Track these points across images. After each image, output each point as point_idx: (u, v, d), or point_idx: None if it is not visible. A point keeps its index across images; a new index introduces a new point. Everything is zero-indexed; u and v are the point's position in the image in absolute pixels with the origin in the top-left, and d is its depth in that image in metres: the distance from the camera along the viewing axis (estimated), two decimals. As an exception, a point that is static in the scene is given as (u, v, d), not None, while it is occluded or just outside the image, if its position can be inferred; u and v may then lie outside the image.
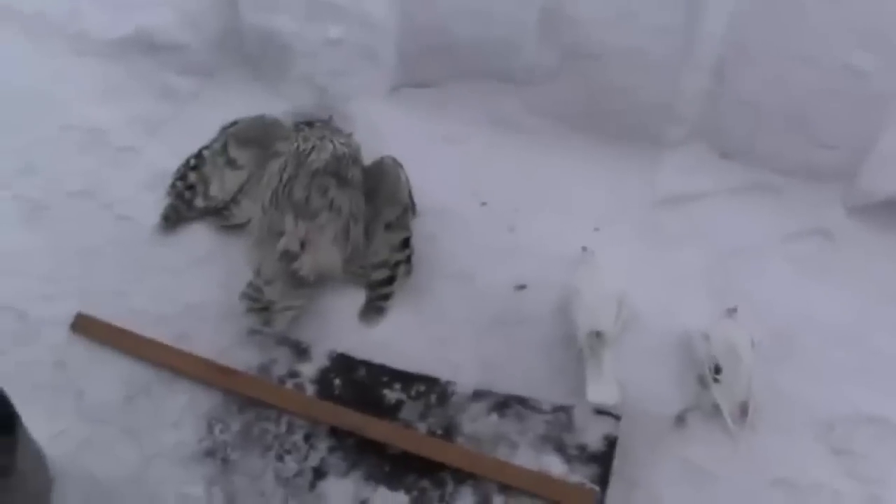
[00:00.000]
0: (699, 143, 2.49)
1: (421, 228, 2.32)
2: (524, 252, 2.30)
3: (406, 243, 2.24)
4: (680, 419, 2.13)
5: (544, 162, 2.48)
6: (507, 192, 2.43)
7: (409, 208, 2.28)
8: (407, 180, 2.30)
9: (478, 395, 2.07)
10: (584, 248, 2.29)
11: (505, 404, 2.05)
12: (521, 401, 2.05)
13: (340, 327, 2.17)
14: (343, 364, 2.11)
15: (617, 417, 2.02)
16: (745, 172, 2.46)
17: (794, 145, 2.39)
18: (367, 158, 2.39)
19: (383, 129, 2.51)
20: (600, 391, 2.03)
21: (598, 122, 2.47)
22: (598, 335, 2.07)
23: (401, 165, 2.31)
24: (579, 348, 2.08)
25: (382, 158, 2.38)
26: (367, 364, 2.11)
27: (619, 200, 2.43)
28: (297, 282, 2.17)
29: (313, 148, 2.27)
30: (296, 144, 2.30)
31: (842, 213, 2.41)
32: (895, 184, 2.33)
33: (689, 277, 2.30)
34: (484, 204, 2.42)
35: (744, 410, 2.06)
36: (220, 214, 2.35)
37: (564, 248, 2.29)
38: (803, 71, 2.36)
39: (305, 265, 2.18)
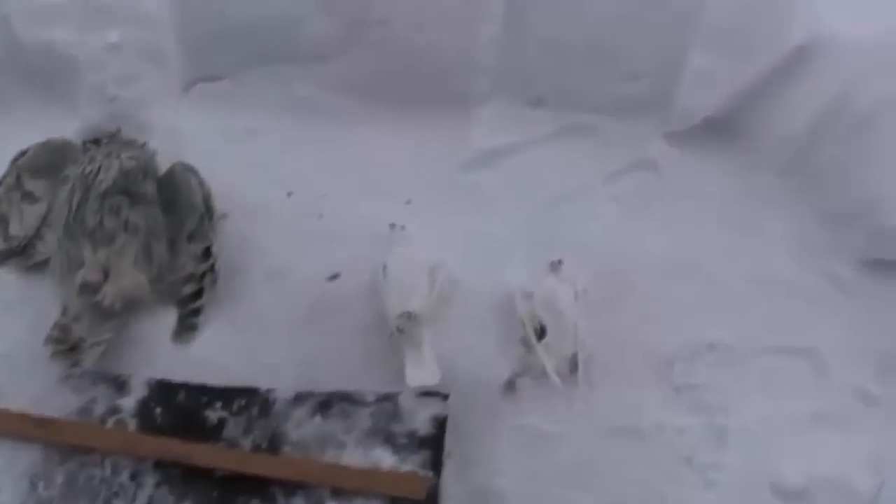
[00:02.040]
0: (506, 94, 2.38)
1: (230, 230, 2.20)
2: (335, 239, 2.19)
3: (208, 252, 2.11)
4: (509, 385, 2.03)
5: (349, 141, 2.36)
6: (314, 179, 2.31)
7: (206, 215, 2.14)
8: (200, 185, 2.16)
9: (299, 398, 1.97)
10: (393, 225, 2.18)
11: (328, 403, 1.96)
12: (345, 396, 1.96)
13: (158, 351, 2.05)
14: (162, 391, 2.00)
15: (444, 396, 1.93)
16: (557, 117, 2.37)
17: (603, 81, 2.31)
18: (168, 164, 2.26)
19: (182, 130, 2.39)
20: (419, 374, 1.93)
21: (400, 90, 2.36)
22: (409, 316, 1.96)
23: (193, 171, 2.18)
24: (392, 331, 1.98)
25: (173, 166, 2.20)
26: (186, 387, 2.00)
27: (431, 168, 2.32)
28: (104, 314, 2.04)
29: (100, 168, 2.13)
30: (81, 167, 2.14)
31: (662, 143, 2.34)
32: (710, 102, 2.26)
33: (510, 236, 2.21)
34: (290, 194, 2.30)
35: (573, 366, 1.99)
36: (24, 253, 2.19)
37: (376, 229, 2.19)
38: (599, 2, 2.27)
39: (109, 295, 2.03)
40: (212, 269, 2.11)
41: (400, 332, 1.96)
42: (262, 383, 1.97)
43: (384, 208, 2.23)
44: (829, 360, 2.06)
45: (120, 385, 2.00)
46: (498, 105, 2.38)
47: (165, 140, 2.30)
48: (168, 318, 2.09)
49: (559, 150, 2.35)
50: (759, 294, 2.11)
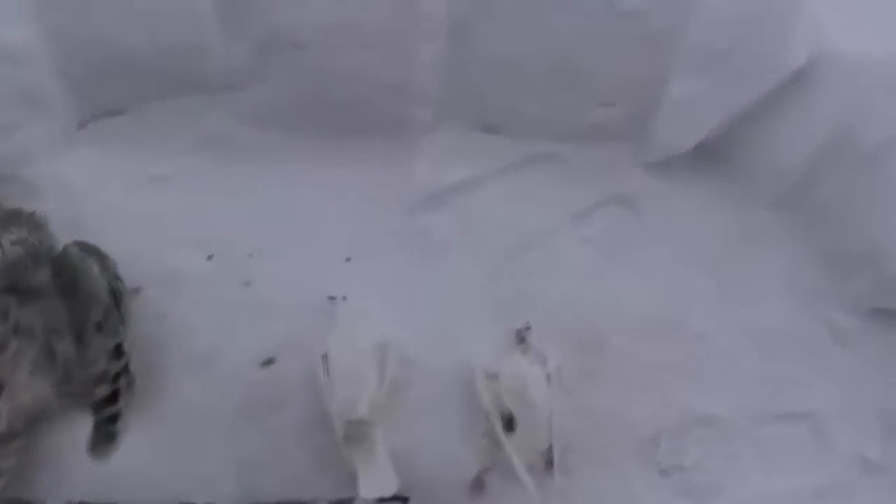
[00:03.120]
0: (455, 121, 2.06)
1: (145, 308, 1.92)
2: (267, 312, 1.93)
3: (120, 349, 1.81)
4: (477, 484, 1.83)
5: (274, 182, 2.04)
6: (237, 234, 2.01)
7: (112, 307, 1.81)
8: (104, 269, 1.82)
9: (244, 512, 1.73)
10: (332, 298, 1.93)
11: (276, 516, 1.73)
12: (293, 508, 1.74)
13: (74, 469, 1.82)
14: (85, 517, 1.73)
15: (404, 500, 1.80)
16: (515, 145, 2.07)
17: (569, 107, 2.00)
18: (67, 230, 1.88)
19: (76, 185, 2.03)
20: (374, 483, 1.73)
21: (329, 121, 2.02)
22: (358, 422, 1.75)
23: (93, 251, 1.83)
24: (339, 438, 1.76)
25: (67, 249, 1.85)
26: (111, 509, 1.72)
27: (372, 213, 2.03)
28: (2, 438, 1.75)
29: None
30: None
31: (640, 174, 2.08)
32: (696, 130, 1.99)
33: (468, 295, 1.98)
34: (211, 257, 2.00)
35: (548, 461, 1.81)
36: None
37: (313, 297, 1.94)
38: (562, 16, 1.89)
39: (3, 417, 1.74)
40: (126, 369, 1.82)
41: (351, 439, 1.75)
42: (197, 498, 1.80)
43: (320, 269, 1.98)
44: (830, 424, 1.92)
45: (35, 512, 1.72)
46: (445, 134, 2.07)
47: (57, 199, 1.96)
48: (83, 426, 1.81)
49: (520, 185, 2.07)
50: (752, 350, 1.97)
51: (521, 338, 1.89)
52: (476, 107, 2.04)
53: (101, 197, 2.00)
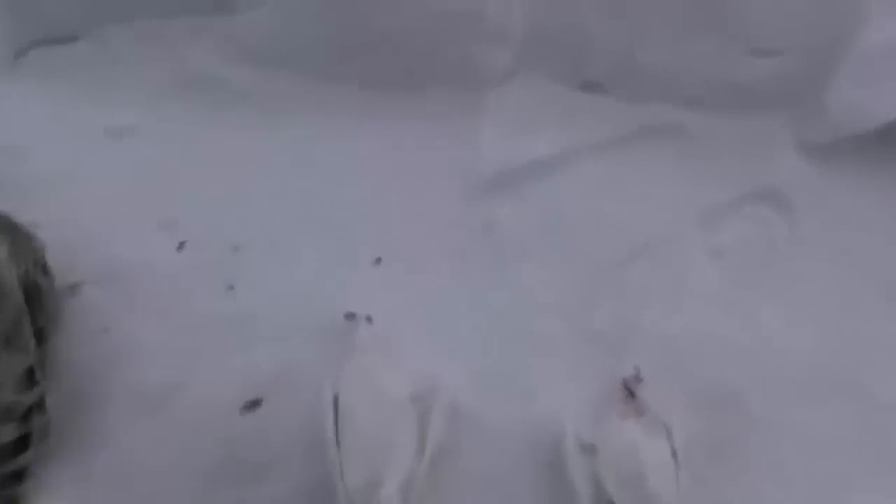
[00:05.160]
0: (541, 70, 1.75)
1: (84, 314, 1.60)
2: (254, 329, 1.55)
3: (32, 377, 1.49)
4: None
5: (277, 145, 1.73)
6: (219, 215, 1.69)
7: (25, 312, 1.49)
8: (15, 255, 1.50)
9: None
10: (351, 315, 1.53)
11: None
12: None
13: None
14: None
15: None
16: (624, 110, 1.74)
17: (707, 54, 1.67)
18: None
19: (9, 132, 1.77)
20: None
21: (362, 61, 1.74)
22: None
23: (9, 228, 1.54)
24: None
25: None
26: None
27: (415, 198, 1.70)
28: None
29: None
30: None
31: (795, 159, 1.73)
32: (885, 102, 1.63)
33: (547, 321, 1.59)
34: (182, 245, 1.66)
35: None
36: None
37: (322, 313, 1.56)
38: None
39: None
40: (41, 404, 1.50)
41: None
42: None
43: (336, 274, 1.63)
44: None
45: None
46: (526, 88, 1.76)
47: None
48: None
49: (626, 167, 1.73)
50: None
51: (628, 391, 1.47)
52: (572, 52, 1.72)
53: (38, 152, 1.76)
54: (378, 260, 1.65)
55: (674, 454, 1.39)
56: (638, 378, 1.49)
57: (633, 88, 1.75)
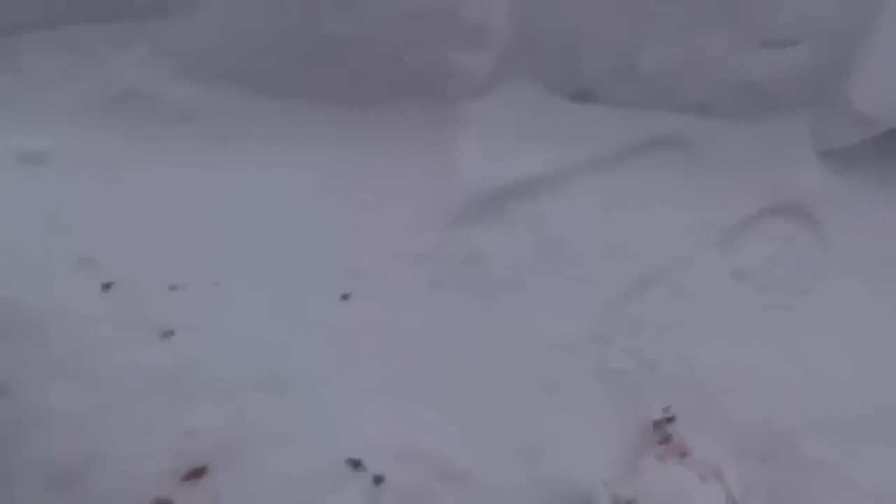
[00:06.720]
0: (526, 77, 1.59)
1: None
2: (194, 391, 1.30)
3: None
4: None
5: (222, 169, 1.53)
6: (153, 251, 1.45)
7: None
8: None
9: None
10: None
11: None
12: None
13: None
14: None
15: None
16: (622, 120, 1.58)
17: (716, 50, 1.52)
18: None
19: None
20: None
21: (323, 71, 1.59)
22: None
23: None
24: None
25: None
26: None
27: (388, 223, 1.50)
28: None
29: None
30: None
31: (816, 168, 1.61)
32: None
33: (554, 358, 1.36)
34: (107, 287, 1.41)
35: None
36: None
37: (274, 360, 1.31)
38: None
39: None
40: None
41: None
42: None
43: (291, 312, 1.39)
44: None
45: None
46: (509, 98, 1.59)
47: None
48: None
49: (626, 185, 1.56)
50: None
51: (664, 434, 1.27)
52: (563, 56, 1.56)
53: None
54: (345, 296, 1.41)
55: (731, 499, 1.22)
56: (670, 419, 1.29)
57: (631, 95, 1.63)
